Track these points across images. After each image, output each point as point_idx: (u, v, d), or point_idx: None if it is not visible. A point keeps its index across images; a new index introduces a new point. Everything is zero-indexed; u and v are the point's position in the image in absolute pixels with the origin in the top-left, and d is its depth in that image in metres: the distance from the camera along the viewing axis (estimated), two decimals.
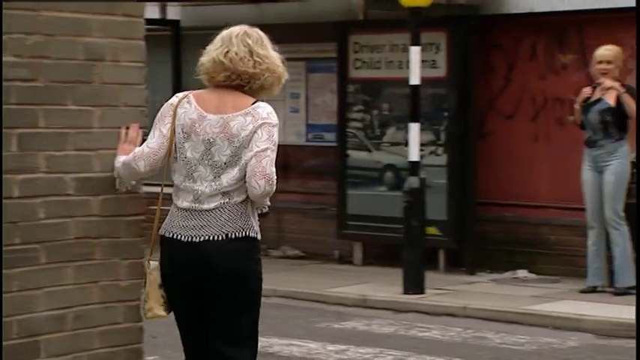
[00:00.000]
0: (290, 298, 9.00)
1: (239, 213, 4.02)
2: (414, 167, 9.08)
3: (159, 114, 4.15)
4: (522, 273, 10.03)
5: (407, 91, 9.84)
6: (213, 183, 4.01)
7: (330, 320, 8.28)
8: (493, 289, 9.34)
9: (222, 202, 4.01)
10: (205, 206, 4.01)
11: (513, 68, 10.33)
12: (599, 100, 8.87)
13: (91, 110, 4.17)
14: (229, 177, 4.01)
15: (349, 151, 10.81)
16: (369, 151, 10.72)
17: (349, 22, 10.82)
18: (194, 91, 4.13)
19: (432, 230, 10.08)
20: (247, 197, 4.02)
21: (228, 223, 4.01)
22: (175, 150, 4.07)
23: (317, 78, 11.33)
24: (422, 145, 10.23)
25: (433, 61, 10.23)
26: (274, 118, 4.03)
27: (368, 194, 10.68)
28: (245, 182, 3.99)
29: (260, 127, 3.99)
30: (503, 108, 10.42)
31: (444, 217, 10.13)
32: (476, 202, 10.28)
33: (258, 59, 4.01)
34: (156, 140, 4.10)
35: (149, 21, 12.87)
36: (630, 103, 8.76)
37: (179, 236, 4.04)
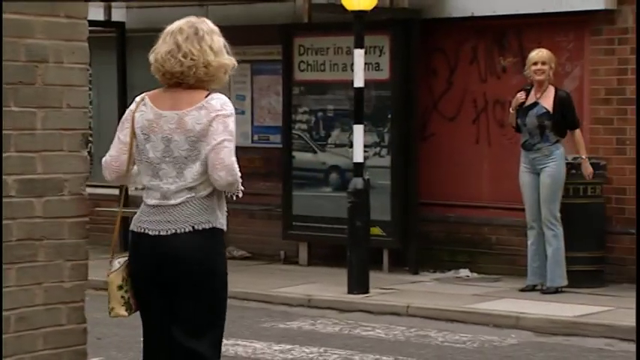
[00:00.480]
0: (236, 299, 8.94)
1: (205, 206, 4.08)
2: (358, 168, 9.10)
3: (120, 121, 4.23)
4: (464, 272, 10.12)
5: (351, 93, 9.87)
6: (177, 179, 4.08)
7: (275, 320, 8.27)
8: (436, 288, 9.40)
9: (188, 196, 4.07)
10: (172, 202, 4.08)
11: (455, 71, 10.41)
12: (535, 105, 8.91)
13: (33, 112, 4.12)
14: (192, 172, 4.06)
15: (294, 153, 10.81)
16: (315, 152, 10.74)
17: (294, 25, 10.82)
18: (150, 92, 4.20)
19: (376, 230, 10.13)
20: (213, 190, 4.08)
21: (194, 216, 4.07)
22: (138, 153, 4.14)
23: (262, 80, 11.32)
24: (366, 146, 10.27)
25: (377, 63, 10.27)
26: (229, 108, 4.07)
27: (313, 195, 10.70)
28: (207, 174, 4.04)
29: (215, 120, 4.03)
30: (445, 110, 10.51)
31: (387, 218, 10.18)
32: (419, 203, 10.35)
33: (184, 58, 4.05)
34: (114, 147, 4.20)
35: (94, 23, 12.78)
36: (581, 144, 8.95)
37: (146, 230, 4.09)
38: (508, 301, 8.59)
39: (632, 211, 9.28)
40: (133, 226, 4.16)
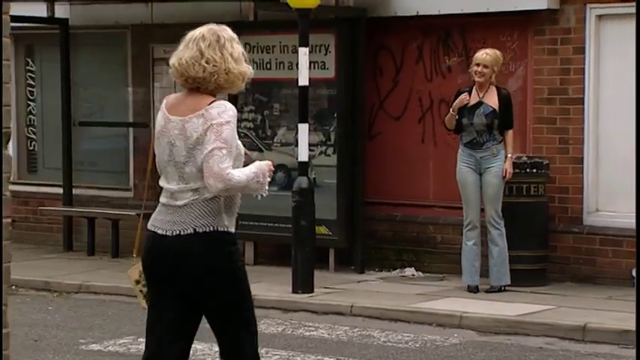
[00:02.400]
0: None
1: (209, 209, 4.27)
2: (303, 167, 9.16)
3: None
4: (410, 271, 10.21)
5: (297, 92, 9.93)
6: (179, 182, 4.31)
7: None
8: (381, 287, 9.49)
9: (192, 198, 4.28)
10: (178, 202, 4.30)
11: (401, 70, 10.48)
12: (480, 104, 9.00)
13: None
14: (191, 176, 4.28)
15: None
16: (261, 151, 10.76)
17: (240, 23, 10.81)
18: (169, 96, 4.46)
19: (321, 230, 10.19)
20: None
21: (198, 219, 4.26)
22: (156, 152, 4.41)
23: None
24: (312, 145, 10.33)
25: (323, 62, 10.33)
26: (226, 116, 4.23)
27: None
28: None
29: (209, 129, 4.22)
30: (391, 109, 10.58)
31: (333, 217, 10.24)
32: (365, 202, 10.41)
33: (207, 64, 4.26)
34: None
35: (37, 19, 12.77)
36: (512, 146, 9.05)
37: (156, 229, 4.34)
38: (452, 301, 8.70)
39: (575, 210, 9.46)
40: (149, 224, 4.41)
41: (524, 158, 9.30)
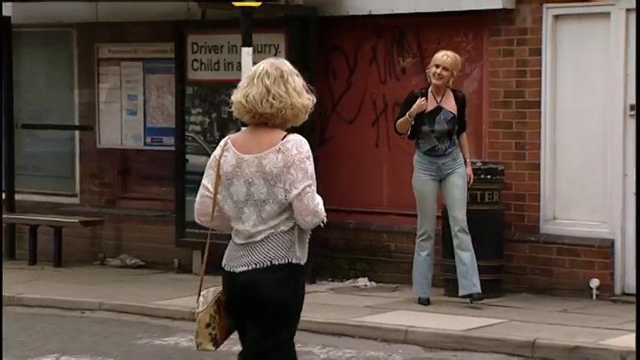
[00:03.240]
0: (115, 312, 8.72)
1: (283, 241, 4.43)
2: None
3: (206, 166, 4.58)
4: (362, 281, 9.94)
5: None
6: (257, 223, 4.42)
7: (152, 336, 7.99)
8: (329, 299, 9.21)
9: (269, 232, 4.42)
10: (256, 239, 4.43)
11: (354, 72, 10.22)
12: (439, 110, 8.67)
13: None
14: (271, 214, 4.41)
15: (188, 156, 10.56)
16: (209, 155, 10.37)
17: (187, 22, 10.57)
18: (232, 136, 4.54)
19: None
20: (294, 226, 4.43)
21: (273, 251, 4.42)
22: (223, 197, 4.48)
23: (155, 79, 11.03)
24: None
25: None
26: (304, 151, 4.41)
27: None
28: (289, 213, 4.39)
29: (292, 166, 4.36)
30: (344, 112, 10.31)
31: None
32: None
33: (274, 100, 4.39)
34: (199, 192, 4.61)
35: None
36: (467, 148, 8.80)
37: (233, 268, 4.47)
38: (400, 314, 8.41)
39: (532, 218, 9.21)
40: (225, 264, 4.53)
41: (479, 164, 9.04)
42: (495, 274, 9.02)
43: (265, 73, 4.43)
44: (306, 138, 9.71)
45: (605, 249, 8.82)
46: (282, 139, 4.39)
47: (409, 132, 8.76)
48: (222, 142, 4.53)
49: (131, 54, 11.12)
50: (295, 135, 4.45)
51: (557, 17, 9.06)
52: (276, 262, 4.40)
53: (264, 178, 4.36)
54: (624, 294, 8.76)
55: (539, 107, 9.14)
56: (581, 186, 8.99)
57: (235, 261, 4.47)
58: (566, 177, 9.09)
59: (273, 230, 4.40)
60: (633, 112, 8.69)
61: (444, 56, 8.61)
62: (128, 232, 11.27)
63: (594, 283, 8.78)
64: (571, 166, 9.05)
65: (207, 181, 4.53)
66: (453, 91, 8.75)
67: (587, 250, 8.88)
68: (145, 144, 11.15)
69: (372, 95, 10.15)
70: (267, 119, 4.42)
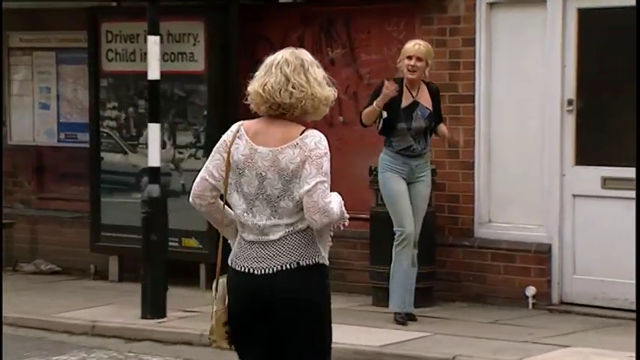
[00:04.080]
0: (12, 326, 8.49)
1: (306, 240, 4.38)
2: (154, 174, 8.68)
3: (214, 149, 4.48)
4: None
5: (166, 87, 9.53)
6: (272, 217, 4.34)
7: (42, 354, 7.77)
8: None
9: (287, 230, 4.34)
10: (272, 237, 4.35)
11: None
12: (416, 105, 8.22)
13: None
14: (285, 211, 4.33)
15: (103, 153, 10.35)
16: (125, 153, 10.30)
17: (101, 8, 10.35)
18: (246, 122, 4.46)
19: (191, 242, 9.81)
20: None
21: (298, 250, 4.35)
22: (233, 185, 4.39)
23: (68, 70, 10.81)
24: (180, 147, 9.95)
25: (191, 53, 9.86)
26: (323, 147, 4.36)
27: (124, 202, 10.23)
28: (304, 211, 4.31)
29: (308, 161, 4.31)
30: None
31: (204, 228, 9.79)
32: None
33: (293, 89, 4.36)
34: (201, 175, 4.51)
35: None
36: (445, 132, 8.30)
37: (251, 270, 4.35)
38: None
39: (467, 221, 9.05)
40: (234, 264, 4.42)
41: None
42: (427, 281, 8.80)
43: (285, 62, 4.41)
44: None
45: (541, 254, 8.67)
46: (301, 133, 4.36)
47: (380, 128, 8.26)
48: (234, 127, 4.47)
49: (44, 43, 10.89)
50: (314, 131, 4.39)
51: (491, 5, 8.89)
52: (304, 263, 4.35)
53: (280, 174, 4.33)
54: (562, 303, 8.62)
55: (473, 102, 8.97)
56: (517, 186, 8.83)
57: (251, 261, 4.37)
58: (501, 177, 8.94)
59: (291, 228, 4.34)
60: (571, 108, 8.54)
61: (415, 45, 8.17)
62: (43, 235, 11.06)
63: (530, 291, 8.63)
64: (507, 165, 8.90)
65: (212, 166, 4.45)
66: (427, 84, 8.33)
67: (523, 255, 8.74)
68: (59, 140, 10.94)
69: None
70: (286, 110, 4.39)
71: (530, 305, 8.65)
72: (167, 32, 9.83)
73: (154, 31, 8.62)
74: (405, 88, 8.25)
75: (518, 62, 8.80)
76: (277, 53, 4.48)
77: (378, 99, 8.08)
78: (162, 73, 9.80)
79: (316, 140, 4.36)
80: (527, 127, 8.77)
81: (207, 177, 4.46)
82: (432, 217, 8.85)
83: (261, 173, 4.34)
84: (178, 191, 9.96)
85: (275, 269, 4.32)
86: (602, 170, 8.41)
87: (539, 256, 8.69)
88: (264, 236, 4.35)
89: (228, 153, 4.39)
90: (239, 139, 4.41)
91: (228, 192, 4.41)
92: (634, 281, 8.17)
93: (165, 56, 9.95)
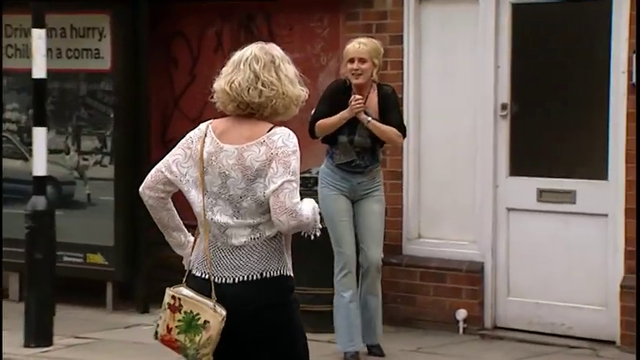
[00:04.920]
0: None
1: (272, 249, 4.31)
2: (40, 184, 8.29)
3: (178, 144, 4.50)
4: None
5: (69, 86, 9.22)
6: (234, 216, 4.29)
7: None
8: (149, 335, 8.67)
9: (251, 237, 4.29)
10: (234, 241, 4.29)
11: (198, 61, 9.71)
12: (364, 113, 7.43)
13: None
14: (248, 211, 4.28)
15: (2, 160, 9.98)
16: (26, 159, 9.91)
17: None
18: (214, 121, 4.44)
19: (96, 258, 9.49)
20: (280, 231, 4.30)
21: (262, 262, 4.28)
22: (191, 181, 4.39)
23: None
24: (85, 153, 9.60)
25: (97, 50, 9.49)
26: (291, 145, 4.27)
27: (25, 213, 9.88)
28: (269, 214, 4.27)
29: (274, 159, 4.25)
30: (188, 109, 9.76)
31: (110, 243, 9.45)
32: (152, 224, 9.63)
33: (263, 88, 4.29)
34: (157, 166, 4.54)
35: None
36: (384, 130, 7.39)
37: (211, 277, 4.28)
38: None
39: (395, 237, 8.65)
40: (193, 268, 4.38)
41: None
42: None
43: (254, 58, 4.36)
44: (142, 139, 9.54)
45: (473, 274, 8.34)
46: (269, 131, 4.31)
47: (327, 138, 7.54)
48: (202, 126, 4.45)
49: None
50: (283, 128, 4.34)
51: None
52: (267, 275, 4.29)
53: (243, 173, 4.29)
54: (495, 327, 8.29)
55: (402, 105, 8.63)
56: (448, 199, 8.50)
57: (211, 266, 4.30)
58: (432, 188, 8.60)
59: (257, 235, 4.30)
60: (505, 112, 8.22)
61: (356, 45, 7.43)
62: None
63: (461, 314, 8.30)
64: (438, 176, 8.56)
65: (171, 160, 4.45)
66: (379, 86, 7.52)
67: (454, 275, 8.41)
68: None
69: None
70: (255, 110, 4.34)
71: (461, 330, 8.32)
72: (70, 26, 9.51)
73: (39, 23, 8.22)
74: (352, 93, 7.49)
75: (449, 62, 8.47)
76: (246, 48, 4.43)
77: (344, 112, 7.39)
78: (64, 71, 9.49)
79: (284, 137, 4.29)
80: (458, 133, 8.44)
81: (163, 169, 4.46)
82: None
83: (224, 172, 4.31)
84: (83, 202, 9.64)
85: (237, 279, 4.27)
86: (538, 182, 8.09)
87: (471, 276, 8.36)
88: (227, 238, 4.30)
89: (201, 154, 4.36)
90: (207, 137, 4.40)
91: (186, 189, 4.40)
92: (572, 304, 7.93)
93: (68, 52, 9.63)
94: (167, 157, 4.50)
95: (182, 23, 9.73)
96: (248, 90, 4.30)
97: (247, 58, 4.38)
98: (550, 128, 8.10)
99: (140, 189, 4.58)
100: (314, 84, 9.02)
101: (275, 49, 4.43)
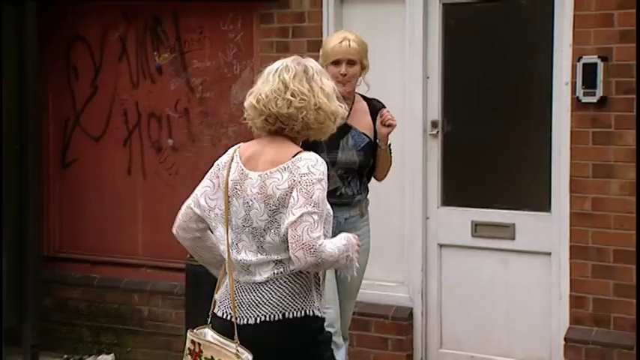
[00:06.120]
0: None
1: (297, 286, 4.28)
2: None
3: (208, 172, 4.47)
4: (106, 359, 8.96)
5: None
6: (258, 252, 4.28)
7: None
8: None
9: (275, 272, 4.27)
10: (257, 278, 4.29)
11: (101, 70, 9.18)
12: (348, 130, 6.18)
13: None
14: (272, 247, 4.26)
15: None
16: None
17: None
18: (244, 144, 4.42)
19: None
20: None
21: (285, 299, 4.26)
22: (219, 215, 4.37)
23: None
24: None
25: None
26: (317, 172, 4.21)
27: None
28: None
29: (296, 187, 4.20)
30: (90, 126, 9.26)
31: None
32: (44, 257, 9.21)
33: (292, 98, 4.26)
34: (187, 202, 4.52)
35: None
36: (391, 161, 6.34)
37: (233, 317, 4.29)
38: None
39: None
40: (216, 307, 4.39)
41: None
42: None
43: (284, 68, 4.36)
44: (27, 164, 8.96)
45: (401, 321, 7.71)
46: (294, 155, 4.27)
47: None
48: (230, 150, 4.45)
49: None
50: (311, 153, 4.29)
51: (342, 0, 8.00)
52: (291, 315, 4.27)
53: (265, 202, 4.27)
54: None
55: None
56: (374, 233, 7.83)
57: (233, 306, 4.32)
58: None
59: (281, 269, 4.27)
60: (436, 131, 7.57)
61: (344, 43, 6.19)
62: None
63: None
64: None
65: (199, 193, 4.43)
66: (366, 99, 6.37)
67: (380, 322, 7.78)
68: None
69: (122, 103, 9.09)
70: (285, 124, 4.31)
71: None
72: None
73: None
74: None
75: (375, 72, 7.82)
76: (277, 61, 4.42)
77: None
78: None
79: (310, 164, 4.24)
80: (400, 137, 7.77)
81: (192, 205, 4.44)
82: None
83: (248, 202, 4.30)
84: None
85: (258, 320, 4.27)
86: (473, 213, 7.44)
87: (398, 324, 7.72)
88: (250, 276, 4.30)
89: (227, 182, 4.34)
90: (233, 162, 4.39)
91: (213, 224, 4.39)
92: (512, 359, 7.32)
93: None
94: (196, 189, 4.47)
95: (82, 26, 9.22)
96: (276, 101, 4.27)
97: (277, 69, 4.36)
98: (486, 150, 7.46)
99: (173, 230, 4.56)
100: (225, 97, 8.55)
101: (311, 62, 4.43)
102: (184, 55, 8.69)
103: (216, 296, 4.43)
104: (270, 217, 4.25)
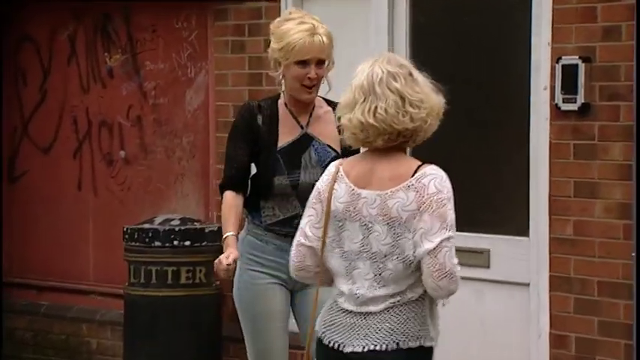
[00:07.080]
0: None
1: (413, 314, 4.22)
2: None
3: (310, 198, 4.36)
4: None
5: None
6: (375, 283, 4.20)
7: None
8: None
9: (392, 301, 4.21)
10: (372, 308, 4.23)
11: (49, 74, 9.04)
12: (309, 141, 5.43)
13: None
14: (393, 276, 4.18)
15: None
16: None
17: None
18: (346, 161, 4.31)
19: None
20: (425, 293, 4.21)
21: (399, 328, 4.20)
22: (330, 242, 4.27)
23: None
24: None
25: None
26: (445, 191, 4.14)
27: None
28: (418, 275, 4.17)
29: (427, 210, 4.11)
30: (38, 136, 9.15)
31: None
32: None
33: (413, 109, 4.15)
34: (296, 237, 4.37)
35: None
36: None
37: (340, 346, 4.23)
38: None
39: None
40: (321, 334, 4.30)
41: (190, 224, 7.79)
42: None
43: (389, 75, 4.17)
44: None
45: None
46: (416, 171, 4.15)
47: (240, 183, 5.41)
48: (331, 168, 4.32)
49: None
50: (434, 167, 4.19)
51: None
52: (404, 345, 4.19)
53: (389, 225, 4.16)
54: None
55: None
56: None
57: (341, 334, 4.24)
58: None
59: (399, 298, 4.20)
60: None
61: (315, 37, 5.34)
62: None
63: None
64: None
65: (305, 224, 4.30)
66: (330, 103, 5.50)
67: None
68: None
69: (72, 110, 8.99)
70: (409, 137, 4.19)
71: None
72: None
73: None
74: (286, 112, 5.47)
75: (340, 73, 7.43)
76: (365, 66, 4.19)
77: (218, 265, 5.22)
78: None
79: (437, 181, 4.13)
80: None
81: (301, 240, 4.31)
82: (214, 301, 7.82)
83: (366, 224, 4.20)
84: None
85: (367, 348, 4.20)
86: None
87: None
88: (365, 307, 4.23)
89: (329, 203, 4.24)
90: (338, 182, 4.26)
91: (325, 253, 4.26)
92: None
93: None
94: (301, 223, 4.34)
95: (30, 25, 9.14)
96: (398, 116, 4.13)
97: (381, 80, 4.15)
98: (456, 165, 6.96)
99: (292, 274, 4.41)
100: (180, 104, 8.39)
101: (401, 58, 4.30)
102: (136, 57, 8.59)
103: (317, 320, 4.33)
104: (393, 240, 4.17)
